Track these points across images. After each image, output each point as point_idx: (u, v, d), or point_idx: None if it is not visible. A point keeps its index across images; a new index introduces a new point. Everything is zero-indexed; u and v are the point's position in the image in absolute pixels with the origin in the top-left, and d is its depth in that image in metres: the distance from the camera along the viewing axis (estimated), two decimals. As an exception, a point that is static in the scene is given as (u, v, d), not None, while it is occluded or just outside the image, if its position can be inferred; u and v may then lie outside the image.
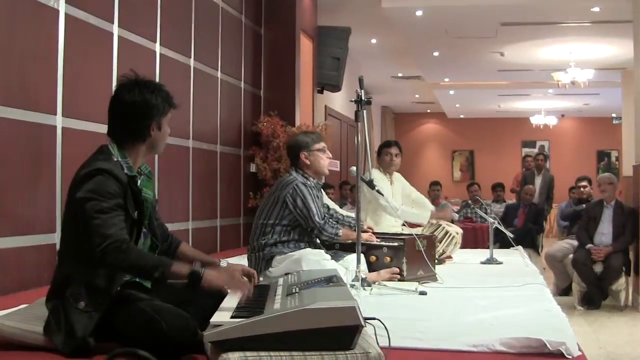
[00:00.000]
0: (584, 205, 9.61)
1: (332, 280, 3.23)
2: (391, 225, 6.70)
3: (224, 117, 8.37)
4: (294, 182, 5.02)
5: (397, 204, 6.79)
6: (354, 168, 4.88)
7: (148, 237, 3.32)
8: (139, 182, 3.22)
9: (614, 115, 21.13)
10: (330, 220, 5.15)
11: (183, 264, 3.07)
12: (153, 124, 3.21)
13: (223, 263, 3.46)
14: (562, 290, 9.57)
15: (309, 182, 5.09)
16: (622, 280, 8.73)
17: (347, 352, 2.63)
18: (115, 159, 3.13)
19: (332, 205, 6.12)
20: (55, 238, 5.16)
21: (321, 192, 5.33)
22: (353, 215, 5.00)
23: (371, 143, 17.53)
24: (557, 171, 16.83)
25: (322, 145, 5.24)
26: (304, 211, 4.95)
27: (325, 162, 5.23)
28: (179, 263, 3.09)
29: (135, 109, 3.20)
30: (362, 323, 2.64)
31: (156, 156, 6.28)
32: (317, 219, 4.95)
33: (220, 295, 3.11)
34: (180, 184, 7.30)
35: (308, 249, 4.96)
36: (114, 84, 5.76)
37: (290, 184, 5.01)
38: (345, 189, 12.43)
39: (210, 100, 8.05)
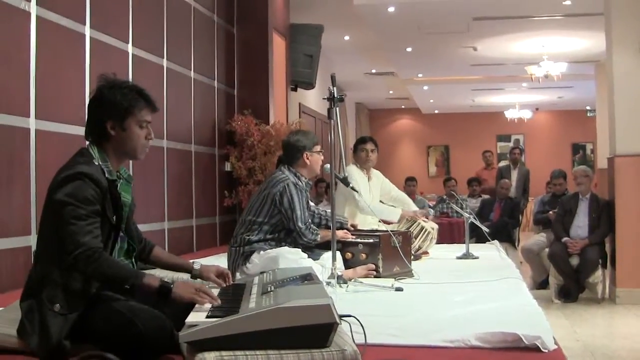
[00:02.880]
0: (550, 213, 9.63)
1: (307, 278, 3.23)
2: (367, 221, 6.71)
3: (198, 116, 8.35)
4: (286, 180, 5.04)
5: (374, 200, 6.79)
6: (328, 166, 4.89)
7: (125, 241, 3.30)
8: (118, 186, 3.21)
9: (588, 107, 21.26)
10: (312, 226, 5.14)
11: (153, 278, 3.07)
12: (109, 122, 3.17)
13: (196, 265, 3.46)
14: (539, 284, 9.61)
15: (300, 183, 5.11)
16: (599, 272, 8.77)
17: (323, 350, 2.64)
18: (96, 163, 3.11)
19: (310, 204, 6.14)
20: (30, 241, 5.14)
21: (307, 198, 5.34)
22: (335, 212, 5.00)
23: (346, 140, 17.56)
24: (532, 165, 16.89)
25: (319, 147, 5.30)
26: (288, 212, 4.97)
27: (320, 163, 5.29)
28: (150, 276, 3.08)
29: (94, 107, 3.20)
30: (337, 320, 2.64)
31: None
32: (300, 224, 4.97)
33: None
34: (155, 184, 7.28)
35: (285, 247, 4.97)
36: (87, 85, 5.74)
37: (282, 182, 5.03)
38: (321, 186, 12.42)
39: (184, 100, 8.03)
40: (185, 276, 3.47)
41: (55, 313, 2.95)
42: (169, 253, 3.68)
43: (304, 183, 5.17)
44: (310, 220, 5.17)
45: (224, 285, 3.36)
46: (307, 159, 5.18)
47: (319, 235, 5.09)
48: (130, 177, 3.36)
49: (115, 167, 3.21)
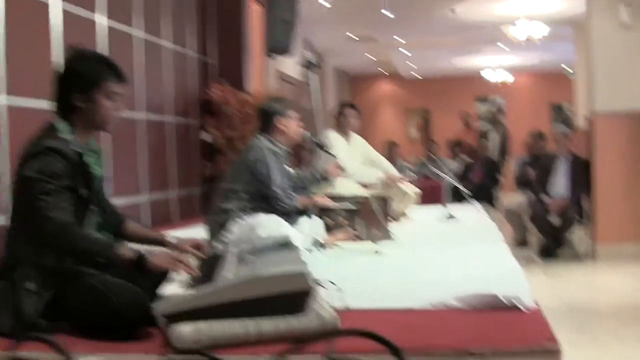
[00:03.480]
0: (530, 173, 9.64)
1: (284, 246, 3.20)
2: (348, 187, 6.68)
3: (173, 86, 8.24)
4: (261, 147, 4.99)
5: (355, 165, 6.77)
6: (306, 132, 4.86)
7: (97, 215, 3.26)
8: (87, 159, 3.15)
9: (566, 68, 21.23)
10: (289, 192, 5.11)
11: (128, 249, 3.05)
12: (76, 94, 3.11)
13: (172, 239, 3.43)
14: (520, 244, 9.65)
15: (276, 150, 5.06)
16: (579, 229, 8.83)
17: (300, 317, 2.62)
18: (63, 136, 3.05)
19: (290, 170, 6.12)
20: (2, 220, 5.06)
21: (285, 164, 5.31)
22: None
23: (326, 106, 17.48)
24: (512, 125, 16.86)
25: (294, 113, 5.23)
26: (265, 178, 4.92)
27: (297, 129, 5.21)
28: (124, 247, 3.07)
29: (61, 79, 3.14)
30: (314, 287, 2.62)
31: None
32: (276, 189, 4.93)
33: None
34: (132, 157, 7.20)
35: (264, 215, 4.93)
36: (53, 58, 5.65)
37: (258, 149, 4.99)
38: (301, 152, 12.38)
39: (158, 70, 7.91)
40: (160, 250, 3.43)
41: (29, 292, 2.91)
42: (143, 227, 3.64)
43: (280, 149, 5.12)
44: (287, 186, 5.14)
45: (201, 257, 3.32)
46: (282, 124, 5.13)
47: (297, 201, 5.06)
48: (99, 150, 3.30)
49: (84, 140, 3.15)
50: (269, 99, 5.43)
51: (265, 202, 5.00)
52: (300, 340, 0.76)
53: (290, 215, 5.12)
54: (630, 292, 6.77)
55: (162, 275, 3.02)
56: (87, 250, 2.97)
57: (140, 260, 2.97)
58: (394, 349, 0.62)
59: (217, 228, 4.94)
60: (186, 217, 8.27)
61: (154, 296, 2.80)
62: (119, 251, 2.99)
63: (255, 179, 4.94)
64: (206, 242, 3.60)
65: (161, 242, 3.42)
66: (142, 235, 3.47)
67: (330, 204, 5.36)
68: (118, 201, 6.42)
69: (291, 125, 5.18)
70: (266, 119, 5.17)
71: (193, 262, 3.16)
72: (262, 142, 5.07)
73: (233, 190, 4.97)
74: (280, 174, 4.99)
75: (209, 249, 3.44)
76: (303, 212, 5.12)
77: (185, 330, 2.56)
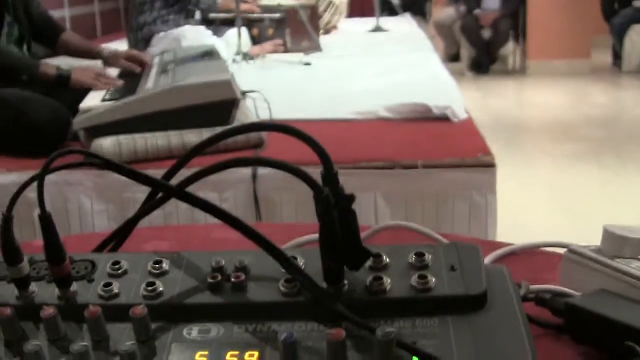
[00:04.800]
0: None
1: (208, 55, 3.08)
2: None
3: None
4: None
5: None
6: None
7: (15, 27, 3.06)
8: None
9: None
10: None
11: (49, 65, 2.90)
12: None
13: (106, 52, 3.28)
14: (451, 57, 9.59)
15: None
16: (510, 44, 8.81)
17: (225, 127, 2.52)
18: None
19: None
20: None
21: None
22: None
23: None
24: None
25: None
26: None
27: None
28: (46, 64, 2.91)
29: None
30: (239, 96, 2.51)
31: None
32: None
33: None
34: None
35: (187, 26, 4.75)
36: None
37: None
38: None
39: None
40: (93, 63, 3.29)
41: None
42: (80, 37, 3.46)
43: None
44: None
45: (138, 69, 3.16)
46: None
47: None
48: None
49: None
50: None
51: (181, 5, 4.79)
52: (219, 138, 0.67)
53: (216, 26, 4.96)
54: (560, 109, 6.81)
55: (84, 90, 2.88)
56: (11, 68, 2.83)
57: (61, 78, 2.85)
58: (316, 147, 0.55)
59: (139, 44, 4.75)
60: (108, 31, 8.00)
61: (74, 110, 2.66)
62: (41, 69, 2.85)
63: None
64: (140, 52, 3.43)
65: (96, 55, 3.28)
66: (78, 47, 3.34)
67: (255, 11, 5.18)
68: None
69: None
70: None
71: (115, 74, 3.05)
72: None
73: (144, 2, 4.74)
74: None
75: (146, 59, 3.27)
76: (228, 22, 4.95)
77: (106, 143, 2.46)
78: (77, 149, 0.72)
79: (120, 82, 2.96)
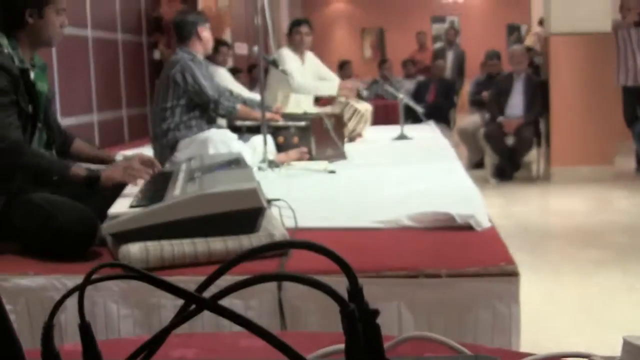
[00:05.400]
0: (484, 94, 9.62)
1: (235, 163, 3.14)
2: (301, 105, 6.60)
3: (123, 3, 8.05)
4: (180, 59, 4.88)
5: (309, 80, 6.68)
6: (256, 48, 4.77)
7: (44, 133, 3.15)
8: (32, 75, 3.03)
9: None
10: (227, 93, 5.03)
11: (80, 166, 2.96)
12: (28, 9, 2.98)
13: (119, 157, 3.34)
14: (475, 164, 9.65)
15: (196, 59, 4.95)
16: (534, 151, 8.87)
17: (251, 236, 2.56)
18: (5, 51, 2.93)
19: (241, 89, 6.02)
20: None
21: (209, 71, 5.21)
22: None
23: (278, 23, 17.26)
24: (467, 46, 16.80)
25: (208, 24, 5.17)
26: (195, 87, 4.82)
27: (212, 38, 5.15)
28: (77, 164, 2.98)
29: None
30: (265, 205, 2.55)
31: (53, 49, 6.00)
32: (210, 92, 4.82)
33: (121, 186, 3.01)
34: (81, 75, 7.04)
35: (214, 130, 4.85)
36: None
37: (178, 62, 4.87)
38: (255, 72, 12.24)
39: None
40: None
41: None
42: (91, 146, 3.54)
43: (201, 59, 5.04)
44: (223, 89, 5.07)
45: (150, 172, 3.23)
46: (203, 32, 5.01)
47: (237, 105, 4.98)
48: (44, 66, 3.19)
49: (28, 55, 3.03)
50: (181, 13, 5.33)
51: (204, 112, 4.90)
52: (248, 254, 0.70)
53: (242, 132, 5.05)
54: (584, 215, 6.81)
55: (112, 195, 2.93)
56: (42, 168, 2.88)
57: (92, 178, 2.90)
58: (342, 264, 0.58)
59: (165, 151, 4.85)
60: (136, 137, 8.15)
61: (103, 216, 2.71)
62: (72, 170, 2.90)
63: (184, 91, 4.84)
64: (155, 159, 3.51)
65: (108, 161, 3.33)
66: (90, 154, 3.38)
67: (280, 120, 5.28)
68: (67, 121, 6.31)
69: (208, 36, 5.08)
70: (185, 30, 5.05)
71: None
72: (180, 55, 4.96)
73: (166, 108, 4.86)
74: (208, 79, 4.91)
75: (157, 164, 3.35)
76: (255, 130, 5.05)
77: (134, 249, 2.50)
78: (118, 263, 0.76)
79: (150, 173, 3.03)
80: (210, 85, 4.84)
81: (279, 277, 0.75)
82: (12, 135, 2.81)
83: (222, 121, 5.22)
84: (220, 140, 4.67)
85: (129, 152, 4.70)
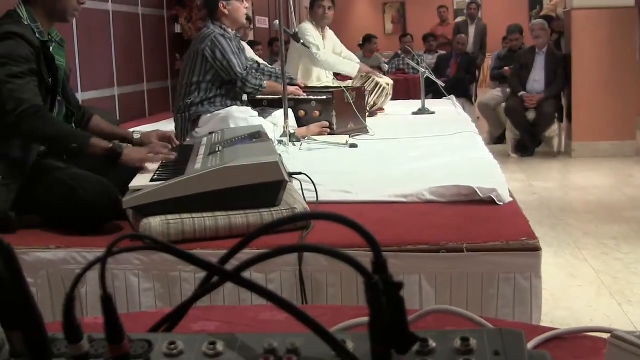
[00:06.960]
0: (506, 69, 9.58)
1: (256, 136, 3.12)
2: (322, 79, 6.57)
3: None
4: (211, 34, 4.81)
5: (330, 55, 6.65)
6: (277, 22, 4.73)
7: (63, 106, 3.15)
8: (51, 48, 3.03)
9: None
10: (254, 71, 4.99)
11: (102, 140, 2.96)
12: None
13: (137, 135, 3.33)
14: (496, 139, 9.62)
15: (227, 34, 4.90)
16: (555, 126, 8.83)
17: (272, 209, 2.56)
18: (25, 23, 2.93)
19: (261, 62, 5.99)
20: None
21: (241, 44, 5.15)
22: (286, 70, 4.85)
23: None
24: (489, 20, 16.67)
25: None
26: (224, 63, 4.76)
27: (244, 11, 5.04)
28: (98, 139, 2.97)
29: None
30: (286, 178, 2.55)
31: (74, 22, 5.99)
32: (239, 70, 4.77)
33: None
34: (102, 49, 7.03)
35: (235, 107, 4.82)
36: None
37: (208, 37, 4.80)
38: (276, 45, 12.19)
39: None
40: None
41: None
42: (109, 122, 3.53)
43: (231, 34, 4.98)
44: (250, 66, 5.01)
45: (168, 148, 3.23)
46: (225, 8, 4.94)
47: (264, 82, 4.93)
48: (62, 41, 3.18)
49: (46, 28, 3.02)
50: None
51: (230, 89, 4.87)
52: (271, 225, 0.70)
53: (263, 107, 5.03)
54: (605, 191, 6.78)
55: (134, 169, 2.94)
56: (62, 135, 2.89)
57: (113, 153, 2.90)
58: (366, 236, 0.57)
59: (187, 124, 4.84)
60: (157, 111, 8.15)
61: (123, 189, 2.72)
62: (93, 140, 2.90)
63: (212, 67, 4.80)
64: (173, 133, 3.50)
65: (127, 139, 3.30)
66: (108, 131, 3.33)
67: (302, 94, 5.25)
68: (88, 95, 6.31)
69: (236, 8, 4.99)
70: (211, 5, 5.00)
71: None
72: (211, 29, 4.91)
73: (192, 83, 4.83)
74: (238, 55, 4.85)
75: (175, 140, 3.35)
76: (276, 103, 5.02)
77: (154, 223, 2.50)
78: (138, 234, 0.76)
79: (173, 154, 3.03)
80: (239, 63, 4.79)
81: (304, 249, 0.74)
82: (33, 100, 2.81)
83: (244, 97, 5.20)
84: (241, 117, 4.65)
85: (149, 127, 4.71)
